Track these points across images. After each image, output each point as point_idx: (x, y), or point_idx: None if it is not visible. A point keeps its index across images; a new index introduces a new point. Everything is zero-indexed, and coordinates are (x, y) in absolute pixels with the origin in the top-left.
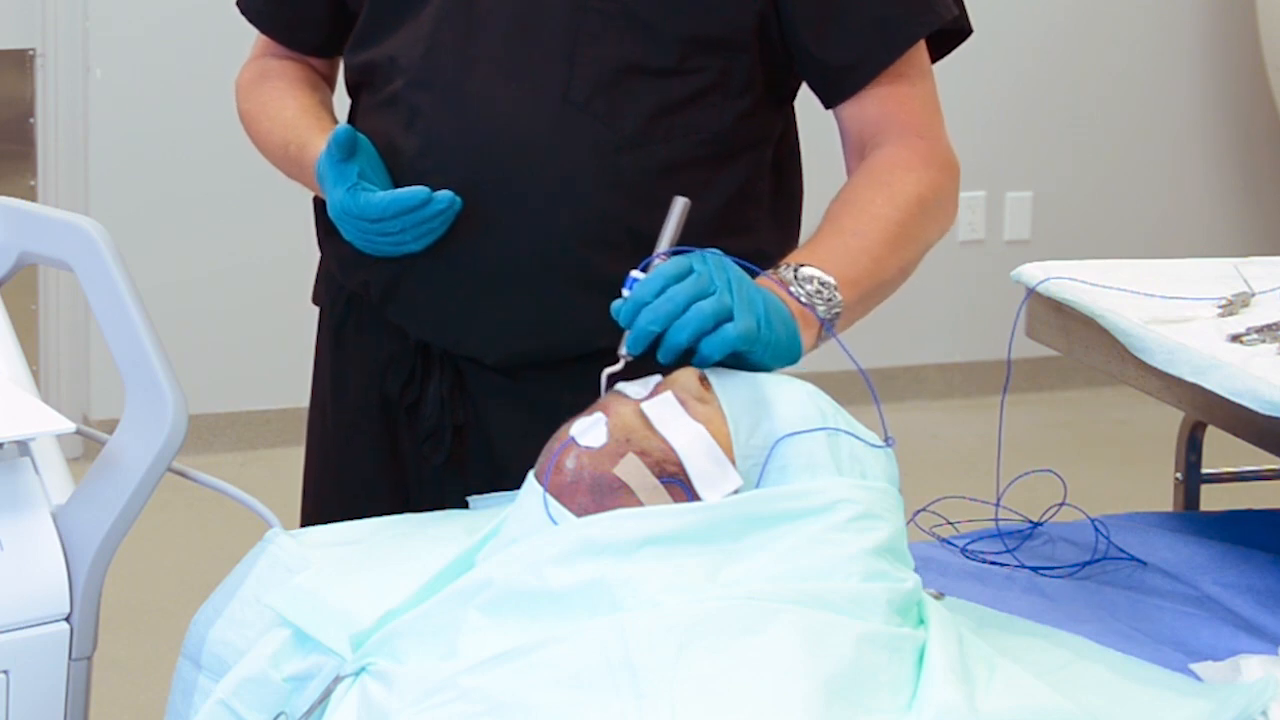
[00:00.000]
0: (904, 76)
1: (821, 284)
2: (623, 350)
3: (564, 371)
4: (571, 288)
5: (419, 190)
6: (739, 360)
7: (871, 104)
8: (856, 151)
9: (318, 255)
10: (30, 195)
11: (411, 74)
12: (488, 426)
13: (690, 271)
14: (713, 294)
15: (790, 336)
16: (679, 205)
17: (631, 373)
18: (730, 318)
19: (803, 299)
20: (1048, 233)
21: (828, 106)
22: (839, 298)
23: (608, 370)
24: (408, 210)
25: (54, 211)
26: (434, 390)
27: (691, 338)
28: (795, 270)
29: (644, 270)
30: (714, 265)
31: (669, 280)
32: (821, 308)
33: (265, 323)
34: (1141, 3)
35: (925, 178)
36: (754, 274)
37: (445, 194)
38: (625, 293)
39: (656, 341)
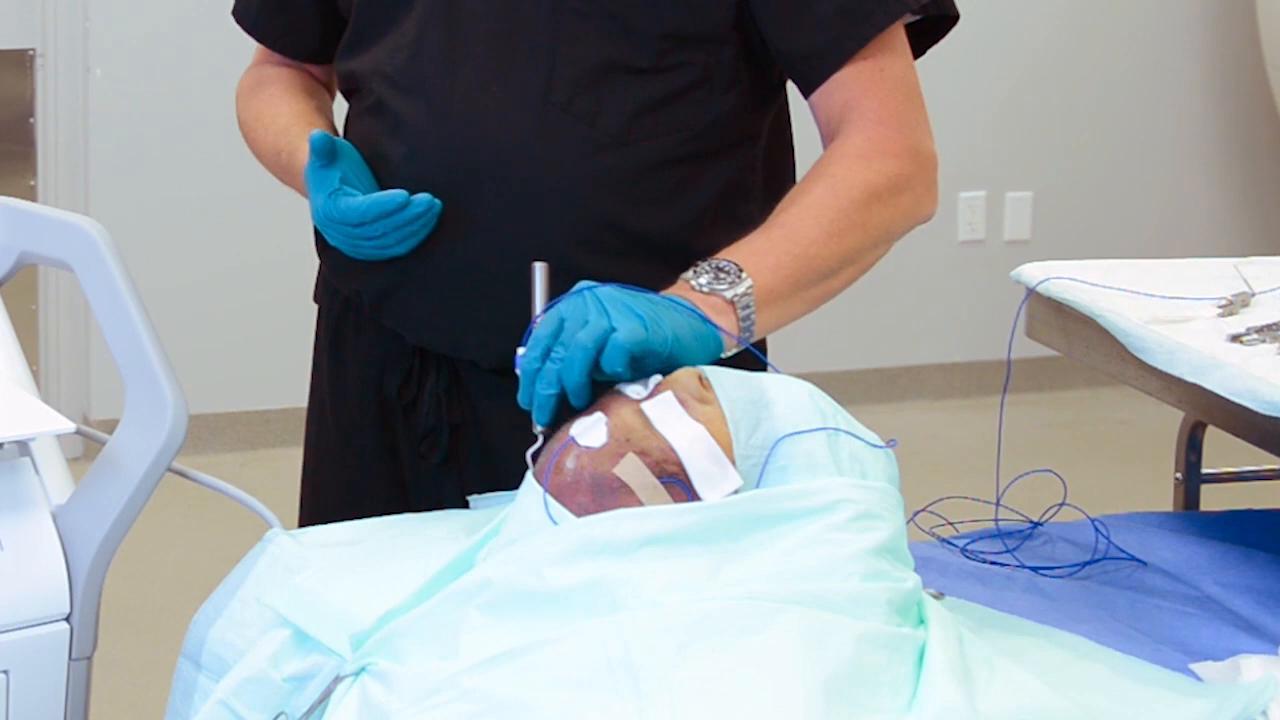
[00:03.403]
0: (872, 64)
1: (719, 269)
2: (536, 428)
3: None
4: (563, 289)
5: (397, 194)
6: (659, 364)
7: (837, 92)
8: (829, 140)
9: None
10: (30, 195)
11: (395, 81)
12: (485, 425)
13: (561, 323)
14: (586, 324)
15: (696, 325)
16: (538, 270)
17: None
18: (611, 330)
19: (702, 288)
20: (1048, 233)
21: (806, 97)
22: (746, 282)
23: (530, 450)
24: (387, 213)
25: (54, 211)
26: (431, 390)
27: (584, 370)
28: (694, 267)
29: (525, 346)
30: (581, 300)
31: (545, 342)
32: (726, 293)
33: (265, 323)
34: (1141, 3)
35: (878, 166)
36: (663, 285)
37: (424, 197)
38: (518, 372)
39: (555, 404)
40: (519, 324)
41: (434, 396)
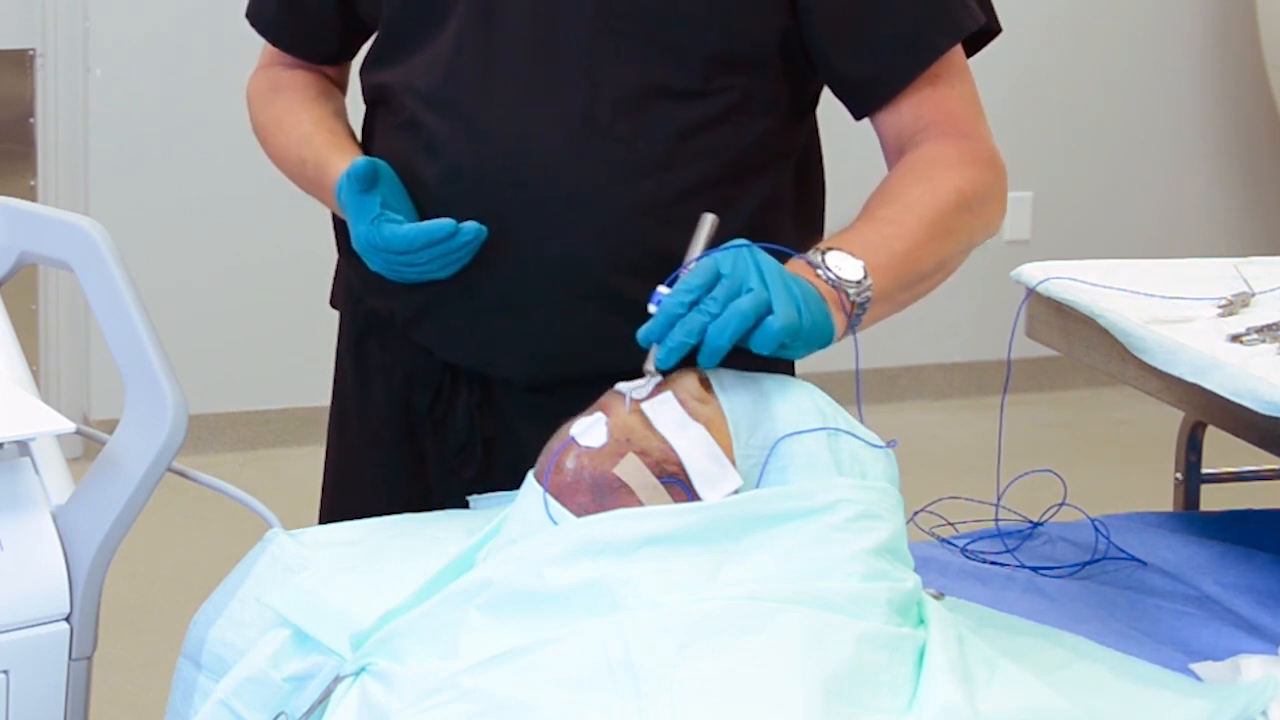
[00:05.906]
0: (939, 79)
1: (850, 267)
2: (650, 366)
3: (597, 385)
4: (599, 312)
5: (445, 223)
6: (789, 346)
7: (906, 110)
8: (897, 158)
9: (318, 255)
10: (30, 195)
11: (429, 99)
12: (516, 439)
13: (718, 277)
14: (749, 292)
15: (824, 320)
16: (708, 221)
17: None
18: (770, 311)
19: (832, 282)
20: (1048, 233)
21: (858, 118)
22: (868, 281)
23: (626, 386)
24: (434, 242)
25: (54, 211)
26: (463, 406)
27: (734, 338)
28: (824, 254)
29: (670, 286)
30: (743, 262)
31: (698, 290)
32: (851, 290)
33: (265, 323)
34: (1141, 3)
35: (967, 174)
36: (785, 257)
37: (471, 225)
38: (652, 309)
39: (685, 354)
40: (554, 345)
41: (466, 412)
